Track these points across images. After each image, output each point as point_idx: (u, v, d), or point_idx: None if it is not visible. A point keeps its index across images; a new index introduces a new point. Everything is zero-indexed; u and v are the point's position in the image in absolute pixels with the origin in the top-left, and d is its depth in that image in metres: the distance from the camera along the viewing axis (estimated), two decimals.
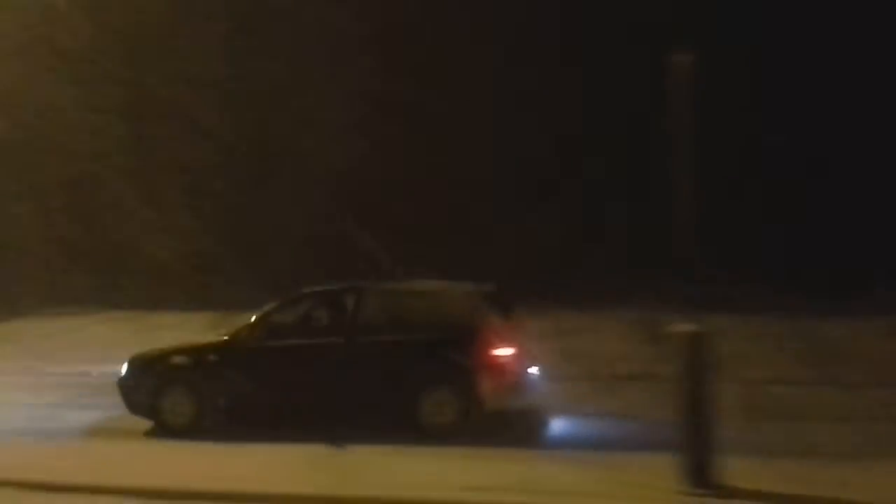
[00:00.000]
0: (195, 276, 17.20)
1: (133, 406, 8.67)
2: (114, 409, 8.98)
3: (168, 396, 8.48)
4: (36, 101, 18.29)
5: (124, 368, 8.85)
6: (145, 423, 8.60)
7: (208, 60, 18.11)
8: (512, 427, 8.26)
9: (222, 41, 18.23)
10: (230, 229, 17.59)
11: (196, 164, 18.21)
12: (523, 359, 8.31)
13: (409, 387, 8.07)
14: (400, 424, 7.97)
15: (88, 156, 18.55)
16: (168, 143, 18.46)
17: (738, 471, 6.02)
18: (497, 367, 8.08)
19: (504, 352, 8.14)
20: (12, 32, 17.93)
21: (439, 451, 7.06)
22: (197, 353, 8.71)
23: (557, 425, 8.68)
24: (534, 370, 8.55)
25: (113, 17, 18.31)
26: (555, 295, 13.88)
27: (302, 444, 7.45)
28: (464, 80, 16.75)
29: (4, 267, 18.05)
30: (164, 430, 8.43)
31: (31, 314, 15.56)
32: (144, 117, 18.50)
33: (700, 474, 5.90)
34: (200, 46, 18.04)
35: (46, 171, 18.41)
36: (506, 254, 15.36)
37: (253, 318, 8.73)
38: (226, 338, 8.74)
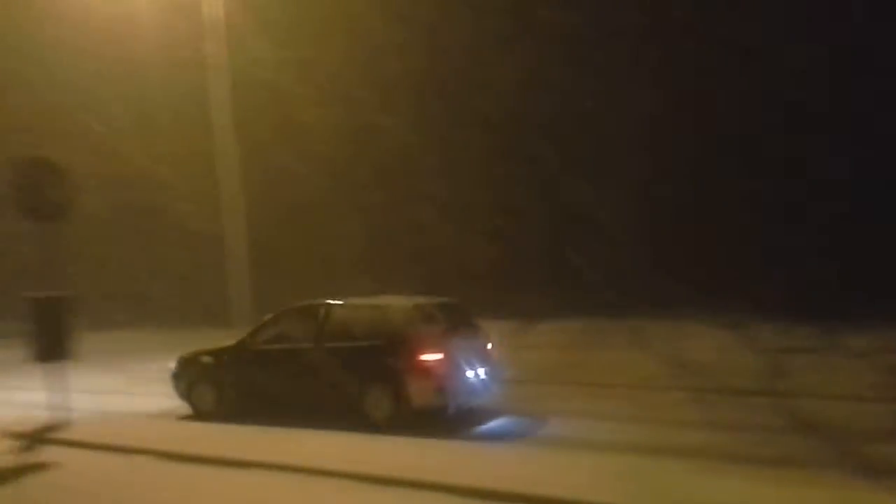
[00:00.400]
0: (502, 282, 17.74)
1: (179, 394, 11.17)
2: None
3: (197, 387, 10.99)
4: None
5: (174, 365, 11.23)
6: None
7: None
8: None
9: None
10: (537, 238, 18.08)
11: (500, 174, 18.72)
12: (452, 363, 9.51)
13: (355, 384, 9.68)
14: (350, 415, 9.50)
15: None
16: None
17: None
18: (423, 369, 9.38)
19: (431, 357, 9.40)
20: None
21: (746, 469, 7.26)
22: (217, 354, 10.94)
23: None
24: (480, 373, 9.93)
25: None
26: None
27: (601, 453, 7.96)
28: None
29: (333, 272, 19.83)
30: (196, 413, 10.87)
31: None
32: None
33: None
34: None
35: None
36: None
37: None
38: (235, 343, 10.82)
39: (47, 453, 9.20)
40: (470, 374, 9.82)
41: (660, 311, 15.18)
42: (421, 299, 10.37)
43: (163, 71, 21.45)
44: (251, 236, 16.50)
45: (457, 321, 10.21)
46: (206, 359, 10.99)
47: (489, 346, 10.61)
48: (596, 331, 15.18)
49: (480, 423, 9.76)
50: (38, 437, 9.95)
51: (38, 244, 10.68)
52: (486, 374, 10.08)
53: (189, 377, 11.04)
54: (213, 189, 16.75)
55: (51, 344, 10.62)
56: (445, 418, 9.46)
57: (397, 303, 10.16)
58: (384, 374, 9.51)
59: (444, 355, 9.46)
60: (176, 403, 11.23)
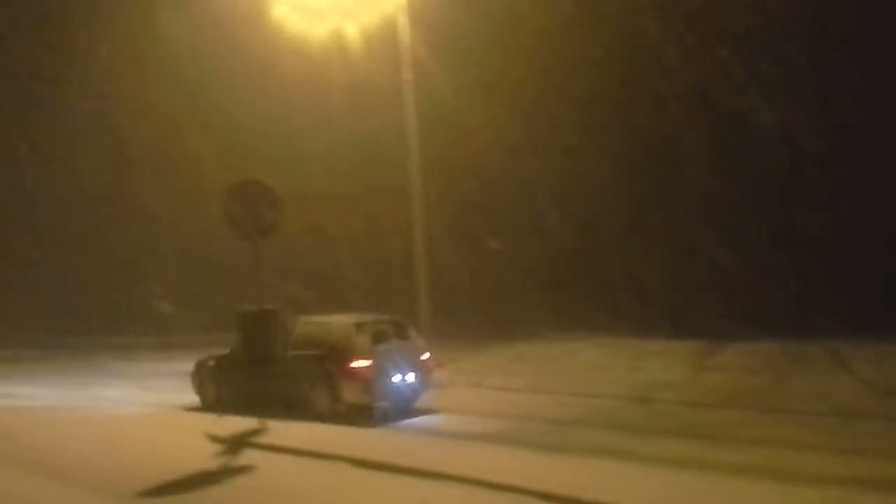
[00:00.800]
0: (684, 304, 17.96)
1: (194, 390, 13.96)
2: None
3: (203, 385, 13.87)
4: None
5: (192, 367, 14.14)
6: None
7: None
8: None
9: None
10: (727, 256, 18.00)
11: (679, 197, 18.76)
12: (379, 369, 11.86)
13: (306, 384, 12.22)
14: (301, 408, 12.04)
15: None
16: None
17: None
18: (353, 373, 11.83)
19: (360, 364, 11.82)
20: None
21: None
22: (218, 360, 13.66)
23: None
24: (408, 378, 12.23)
25: None
26: None
27: None
28: None
29: (520, 293, 20.63)
30: (203, 405, 13.57)
31: (539, 336, 16.96)
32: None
33: None
34: None
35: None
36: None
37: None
38: (229, 350, 13.25)
39: (247, 456, 9.88)
40: (398, 378, 12.14)
41: (861, 333, 14.23)
42: (365, 317, 12.81)
43: (357, 98, 22.57)
44: (436, 255, 17.07)
45: (392, 335, 12.58)
46: (211, 363, 13.88)
47: (424, 356, 12.78)
48: (791, 353, 14.44)
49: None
50: (238, 440, 10.66)
51: (250, 261, 11.60)
52: (415, 378, 12.40)
53: (200, 377, 14.01)
54: (404, 210, 17.53)
55: (257, 353, 11.52)
56: (377, 412, 11.81)
57: (340, 320, 12.75)
58: (324, 376, 12.07)
59: (372, 363, 11.85)
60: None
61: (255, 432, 10.96)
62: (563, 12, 19.42)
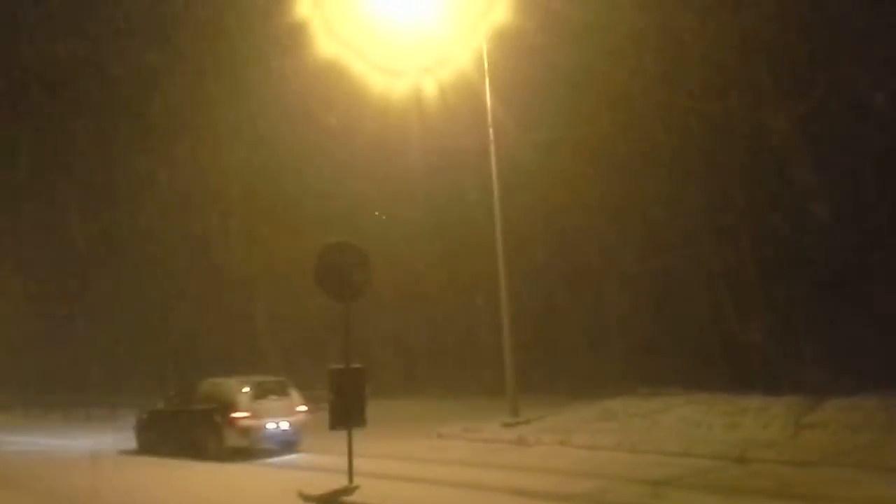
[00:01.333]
0: (780, 358, 17.81)
1: (135, 436, 17.74)
2: None
3: (140, 432, 17.79)
4: None
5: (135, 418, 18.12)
6: None
7: None
8: None
9: None
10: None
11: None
12: (256, 420, 15.28)
13: (199, 432, 15.77)
14: (199, 450, 15.44)
15: None
16: None
17: None
18: (234, 423, 15.24)
19: (240, 415, 15.23)
20: None
21: None
22: (149, 413, 17.72)
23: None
24: (281, 426, 15.61)
25: None
26: None
27: None
28: None
29: (603, 347, 20.80)
30: (139, 447, 17.46)
31: (628, 392, 16.82)
32: None
33: None
34: None
35: None
36: None
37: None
38: (161, 405, 17.53)
39: None
40: (273, 426, 15.53)
41: None
42: (251, 379, 16.27)
43: (436, 158, 23.05)
44: (520, 311, 17.10)
45: (272, 393, 16.00)
46: (144, 416, 17.86)
47: (300, 408, 16.14)
48: (894, 408, 13.76)
49: None
50: (329, 499, 10.77)
51: (340, 321, 11.90)
52: (289, 426, 15.76)
53: (137, 426, 17.88)
54: (487, 267, 17.72)
55: (347, 411, 11.71)
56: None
57: (230, 381, 16.18)
58: (213, 425, 15.48)
59: (249, 415, 15.29)
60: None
61: (347, 490, 11.02)
62: (641, 70, 19.49)
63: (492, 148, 17.00)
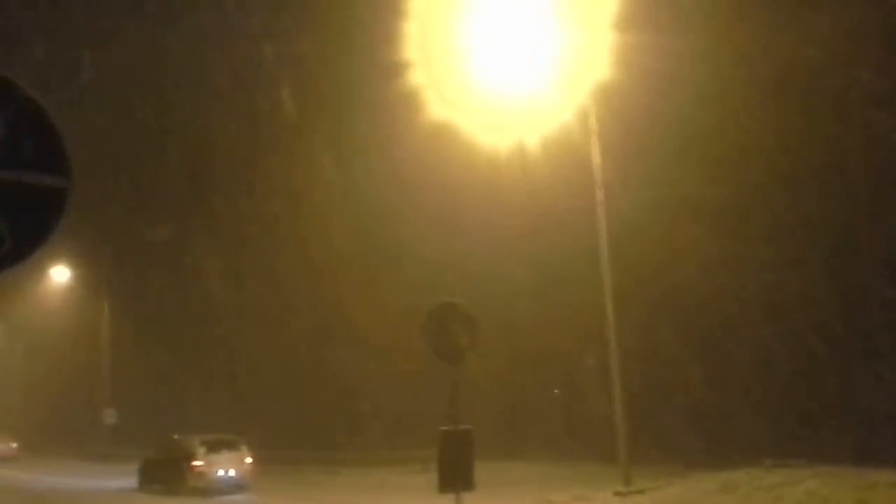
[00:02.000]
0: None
1: (138, 479, 22.97)
2: None
3: (140, 475, 22.90)
4: None
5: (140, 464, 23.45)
6: None
7: None
8: None
9: None
10: None
11: None
12: (210, 468, 20.40)
13: (173, 475, 21.06)
14: (173, 490, 21.02)
15: None
16: None
17: None
18: (193, 469, 20.47)
19: (197, 464, 20.43)
20: None
21: None
22: (145, 460, 22.78)
23: None
24: (230, 473, 20.73)
25: None
26: None
27: None
28: None
29: (722, 414, 20.23)
30: (139, 488, 22.72)
31: (750, 463, 16.20)
32: None
33: None
34: None
35: None
36: None
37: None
38: (152, 454, 22.67)
39: None
40: (222, 473, 20.54)
41: None
42: (208, 437, 21.37)
43: (542, 215, 22.93)
44: (634, 374, 16.63)
45: (224, 447, 20.96)
46: (143, 462, 22.90)
47: (247, 461, 21.11)
48: None
49: None
50: None
51: (445, 382, 11.86)
52: (236, 474, 20.82)
53: (139, 470, 22.88)
54: (596, 327, 17.37)
55: (455, 474, 11.58)
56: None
57: (192, 438, 21.35)
58: (180, 470, 20.73)
59: (204, 464, 20.38)
60: None
61: None
62: (751, 128, 18.99)
63: (600, 210, 16.77)
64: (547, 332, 23.83)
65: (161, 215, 35.67)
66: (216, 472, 20.32)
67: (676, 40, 17.87)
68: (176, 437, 22.34)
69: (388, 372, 28.06)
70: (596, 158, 16.77)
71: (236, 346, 34.36)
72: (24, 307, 49.39)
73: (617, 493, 15.91)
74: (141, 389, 39.27)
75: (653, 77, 18.40)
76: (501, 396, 25.71)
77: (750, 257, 19.72)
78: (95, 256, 38.03)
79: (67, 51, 27.63)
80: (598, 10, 15.82)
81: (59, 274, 42.04)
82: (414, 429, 22.92)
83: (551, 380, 24.63)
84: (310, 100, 28.67)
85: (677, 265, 20.57)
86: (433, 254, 24.84)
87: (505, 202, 23.16)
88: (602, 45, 15.96)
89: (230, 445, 20.92)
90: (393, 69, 18.47)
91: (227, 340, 34.61)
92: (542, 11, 16.07)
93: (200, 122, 32.43)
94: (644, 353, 20.62)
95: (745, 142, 19.21)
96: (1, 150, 3.38)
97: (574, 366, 23.42)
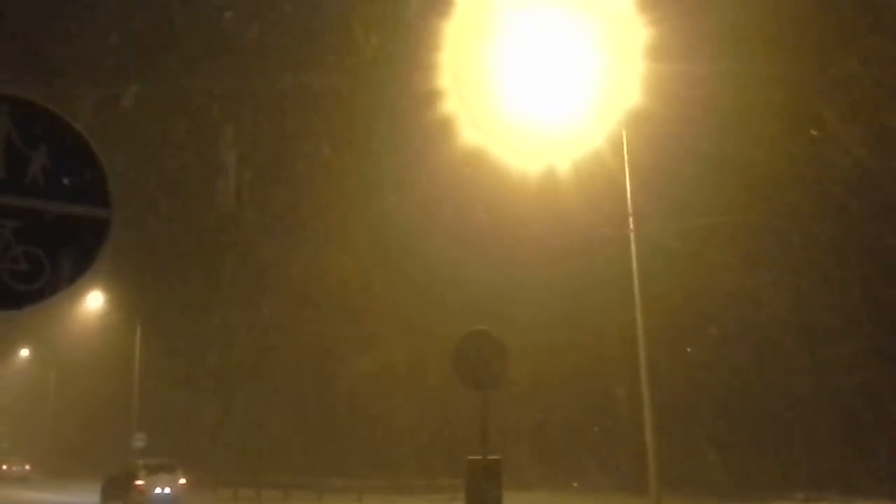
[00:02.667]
0: None
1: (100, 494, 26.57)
2: None
3: (102, 492, 26.25)
4: None
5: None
6: None
7: None
8: None
9: None
10: None
11: None
12: (150, 487, 24.35)
13: (121, 492, 24.82)
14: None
15: None
16: None
17: None
18: (136, 488, 24.40)
19: (139, 483, 24.40)
20: None
21: None
22: (107, 479, 26.24)
23: None
24: (165, 491, 24.59)
25: None
26: None
27: None
28: None
29: (754, 445, 19.94)
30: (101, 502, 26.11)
31: (784, 496, 16.43)
32: None
33: None
34: None
35: None
36: None
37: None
38: (111, 474, 26.29)
39: None
40: (159, 491, 24.32)
41: None
42: (151, 460, 25.88)
43: (573, 241, 22.72)
44: (666, 405, 16.38)
45: (161, 470, 24.89)
46: (104, 481, 26.14)
47: (181, 481, 24.94)
48: None
49: None
50: None
51: (474, 411, 11.77)
52: (171, 492, 24.60)
53: (102, 487, 26.05)
54: (631, 358, 17.18)
55: None
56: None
57: (137, 462, 25.94)
58: (126, 488, 24.44)
59: (144, 483, 24.22)
60: None
61: None
62: (787, 153, 18.81)
63: (632, 236, 16.64)
64: (576, 360, 23.63)
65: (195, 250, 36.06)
66: (154, 489, 24.79)
67: (708, 67, 17.84)
68: (127, 461, 27.11)
69: (416, 400, 28.00)
70: (629, 186, 16.65)
71: (263, 373, 34.48)
72: (58, 333, 50.20)
73: None
74: (170, 414, 39.59)
75: (684, 104, 18.35)
76: (529, 425, 25.50)
77: (782, 285, 19.44)
78: (128, 282, 38.44)
79: (109, 83, 28.13)
80: (630, 38, 15.83)
81: (94, 299, 42.56)
82: (441, 457, 22.79)
83: (580, 409, 24.36)
84: (344, 128, 28.95)
85: (708, 293, 20.32)
86: (463, 281, 24.82)
87: (534, 229, 23.10)
88: (633, 73, 15.95)
89: (167, 469, 25.46)
90: (427, 98, 18.63)
91: (254, 367, 34.77)
92: (574, 39, 16.12)
93: (238, 148, 32.81)
94: (675, 382, 20.36)
95: (779, 168, 19.02)
96: (44, 181, 3.45)
97: (604, 395, 23.14)
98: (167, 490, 24.79)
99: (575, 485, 24.36)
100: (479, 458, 11.47)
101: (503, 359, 11.63)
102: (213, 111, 30.12)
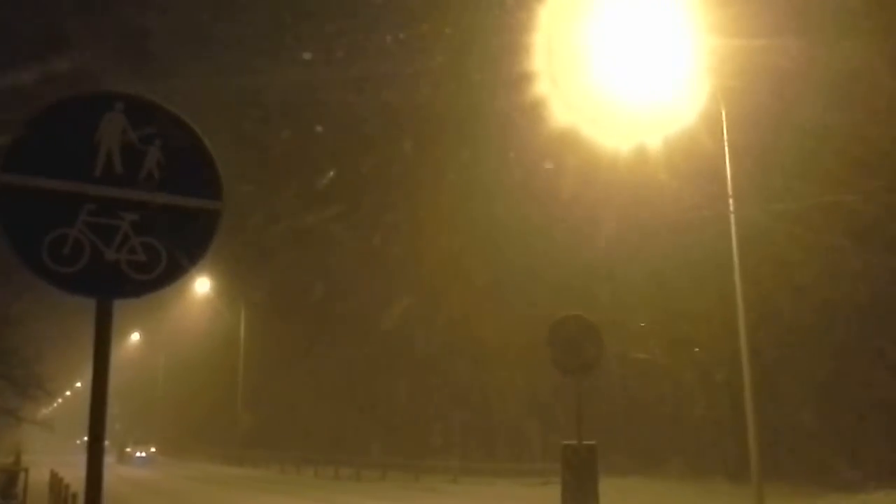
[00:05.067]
0: None
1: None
2: None
3: (115, 455, 46.40)
4: None
5: None
6: None
7: None
8: None
9: None
10: None
11: None
12: (132, 452, 48.94)
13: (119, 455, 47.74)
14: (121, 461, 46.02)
15: None
16: None
17: None
18: (124, 452, 48.33)
19: (127, 449, 49.19)
20: None
21: None
22: (119, 448, 49.25)
23: None
24: (140, 455, 48.75)
25: None
26: None
27: None
28: None
29: (861, 433, 19.44)
30: (116, 462, 44.15)
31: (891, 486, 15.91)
32: None
33: None
34: None
35: None
36: None
37: None
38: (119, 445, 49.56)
39: None
40: (138, 454, 48.71)
41: None
42: (136, 434, 53.18)
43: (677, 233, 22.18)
44: (768, 391, 15.90)
45: (141, 443, 50.43)
46: (118, 448, 47.61)
47: (152, 449, 49.98)
48: None
49: None
50: None
51: (570, 396, 11.79)
52: (145, 455, 48.71)
53: (116, 452, 45.72)
54: (727, 340, 16.75)
55: (579, 490, 11.46)
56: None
57: (127, 437, 52.26)
58: (122, 452, 48.09)
59: (130, 450, 48.80)
60: None
61: None
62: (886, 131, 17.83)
63: (732, 217, 16.14)
64: (672, 345, 23.18)
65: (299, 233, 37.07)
66: (135, 454, 47.09)
67: (804, 42, 17.14)
68: (123, 439, 49.52)
69: (511, 385, 28.08)
70: (728, 167, 16.15)
71: (362, 359, 35.22)
72: (166, 319, 52.62)
73: None
74: (274, 394, 41.06)
75: (781, 80, 17.71)
76: (629, 410, 25.22)
77: (892, 265, 18.50)
78: (234, 267, 39.77)
79: (228, 83, 29.05)
80: (723, 14, 15.39)
81: (201, 285, 44.25)
82: (535, 441, 22.80)
83: (682, 394, 23.89)
84: (438, 112, 29.06)
85: (819, 278, 19.49)
86: (558, 266, 24.66)
87: (629, 210, 22.71)
88: (729, 50, 15.51)
89: (144, 441, 49.65)
90: (520, 80, 18.58)
91: (355, 354, 35.54)
92: (667, 17, 15.75)
93: (339, 137, 33.43)
94: (779, 366, 19.73)
95: (881, 146, 18.08)
96: (159, 175, 3.66)
97: (702, 380, 22.63)
98: (142, 454, 47.60)
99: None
100: (575, 443, 11.48)
101: (598, 344, 11.60)
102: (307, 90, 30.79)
